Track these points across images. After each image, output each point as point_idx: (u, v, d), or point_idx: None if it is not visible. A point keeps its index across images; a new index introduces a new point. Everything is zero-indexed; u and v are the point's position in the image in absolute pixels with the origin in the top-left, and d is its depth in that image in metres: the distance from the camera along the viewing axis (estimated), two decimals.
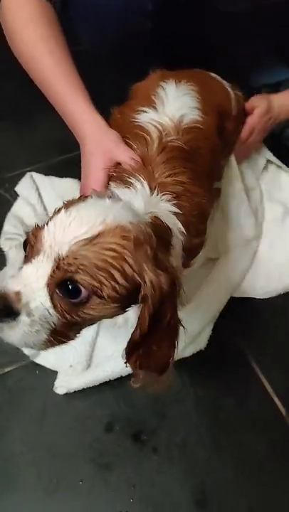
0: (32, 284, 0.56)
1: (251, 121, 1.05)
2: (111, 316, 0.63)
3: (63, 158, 1.28)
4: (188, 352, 0.92)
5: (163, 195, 0.68)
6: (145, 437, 0.85)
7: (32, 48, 0.85)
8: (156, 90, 0.83)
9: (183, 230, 0.69)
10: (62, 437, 0.84)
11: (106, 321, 0.90)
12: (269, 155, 1.21)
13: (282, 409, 0.88)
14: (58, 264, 0.56)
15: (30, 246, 0.59)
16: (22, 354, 0.92)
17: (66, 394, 0.88)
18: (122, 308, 0.61)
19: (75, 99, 0.81)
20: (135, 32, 0.97)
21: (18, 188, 1.16)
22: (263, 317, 1.01)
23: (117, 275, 0.57)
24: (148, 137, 0.75)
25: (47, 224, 0.59)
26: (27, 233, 0.62)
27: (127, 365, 0.65)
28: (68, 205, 0.60)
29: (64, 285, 0.56)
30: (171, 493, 0.79)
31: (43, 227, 0.59)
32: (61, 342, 0.62)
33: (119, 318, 0.90)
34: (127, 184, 0.68)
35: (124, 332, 0.91)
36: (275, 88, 1.20)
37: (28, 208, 1.12)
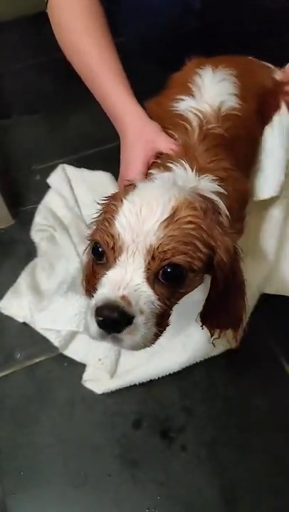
0: (132, 282, 0.55)
1: None
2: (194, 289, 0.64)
3: (95, 151, 1.28)
4: (218, 350, 0.90)
5: (206, 176, 0.66)
6: (173, 435, 0.83)
7: (78, 40, 0.86)
8: (192, 78, 0.81)
9: (227, 212, 0.68)
10: (90, 431, 0.84)
11: None
12: None
13: None
14: (153, 255, 0.55)
15: (107, 249, 0.58)
16: (51, 345, 0.92)
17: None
18: (203, 278, 0.63)
19: (117, 90, 0.82)
20: (181, 30, 0.95)
21: (50, 180, 1.17)
22: None
23: (200, 245, 0.58)
24: (188, 126, 0.74)
25: (108, 222, 0.57)
26: (93, 240, 0.61)
27: (203, 327, 0.69)
28: (120, 196, 0.59)
29: (164, 272, 0.56)
30: (199, 491, 0.78)
31: (108, 226, 0.57)
32: (161, 333, 0.61)
33: None
34: (169, 169, 0.68)
35: None
36: None
37: (60, 200, 1.12)
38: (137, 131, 0.77)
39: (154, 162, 0.73)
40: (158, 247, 0.55)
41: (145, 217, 0.55)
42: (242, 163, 0.75)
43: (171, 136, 0.74)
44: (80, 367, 0.91)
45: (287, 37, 1.14)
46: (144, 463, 0.80)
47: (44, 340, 0.93)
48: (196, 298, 0.69)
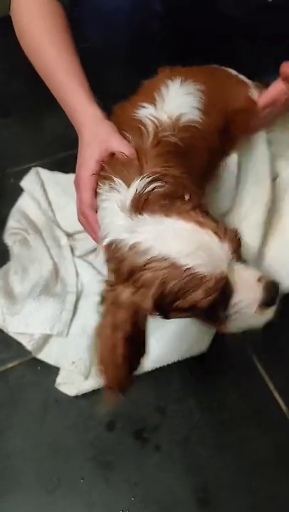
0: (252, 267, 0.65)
1: (274, 90, 0.92)
2: None
3: (69, 154, 1.27)
4: (192, 351, 0.91)
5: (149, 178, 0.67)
6: (147, 435, 0.84)
7: (38, 41, 0.88)
8: (160, 88, 0.82)
9: None
10: (63, 435, 0.84)
11: None
12: None
13: (284, 408, 0.87)
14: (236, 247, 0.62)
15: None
16: (24, 350, 0.91)
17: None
18: None
19: (75, 91, 0.83)
20: (144, 33, 0.96)
21: (23, 183, 1.16)
22: None
23: None
24: (144, 130, 0.75)
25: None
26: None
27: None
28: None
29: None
30: (173, 491, 0.78)
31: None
32: None
33: None
34: (113, 187, 0.69)
35: None
36: None
37: (33, 203, 1.11)
38: (93, 131, 0.79)
39: (101, 171, 0.74)
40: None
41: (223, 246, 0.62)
42: (196, 173, 0.75)
43: (125, 137, 0.75)
44: (54, 370, 0.90)
45: (254, 44, 1.16)
46: (117, 464, 0.81)
47: (17, 345, 0.92)
48: None
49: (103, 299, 0.64)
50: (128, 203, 0.65)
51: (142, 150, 0.72)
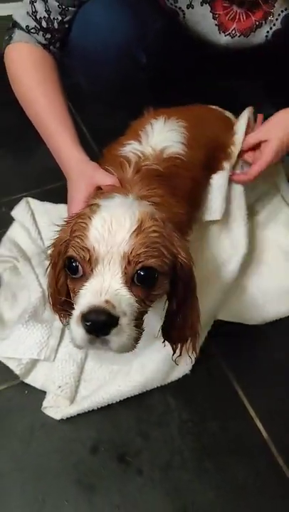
0: (112, 288, 0.61)
1: (262, 162, 0.99)
2: (162, 296, 0.72)
3: (58, 185, 1.31)
4: (174, 376, 0.95)
5: (142, 202, 0.73)
6: (129, 459, 0.87)
7: (29, 91, 0.96)
8: (144, 126, 0.89)
9: None
10: (48, 458, 0.86)
11: None
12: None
13: (265, 434, 0.90)
14: (128, 260, 0.62)
15: (83, 262, 0.64)
16: (12, 374, 0.94)
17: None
18: (168, 284, 0.70)
19: (62, 137, 0.92)
20: (130, 81, 1.03)
21: (14, 213, 1.20)
22: (247, 341, 1.04)
23: (164, 250, 0.66)
24: (126, 163, 0.82)
25: (81, 238, 0.64)
26: (70, 258, 0.66)
27: (165, 344, 0.78)
28: (87, 214, 0.66)
29: (138, 276, 0.63)
30: None
31: (81, 242, 0.63)
32: (140, 336, 0.67)
33: None
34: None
35: (112, 354, 0.95)
36: None
37: (23, 232, 1.15)
38: (79, 171, 0.87)
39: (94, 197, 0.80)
40: (131, 253, 0.62)
41: (116, 230, 0.62)
42: (180, 198, 0.82)
43: (108, 171, 0.83)
44: (41, 394, 0.93)
45: (236, 81, 1.25)
46: (100, 487, 0.83)
47: (5, 369, 0.95)
48: (151, 322, 0.76)
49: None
50: None
51: (124, 179, 0.79)
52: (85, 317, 0.60)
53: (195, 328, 0.76)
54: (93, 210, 0.66)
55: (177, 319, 0.75)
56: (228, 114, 1.08)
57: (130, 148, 0.85)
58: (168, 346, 0.81)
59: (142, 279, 0.63)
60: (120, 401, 0.92)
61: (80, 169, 0.88)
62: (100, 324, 0.60)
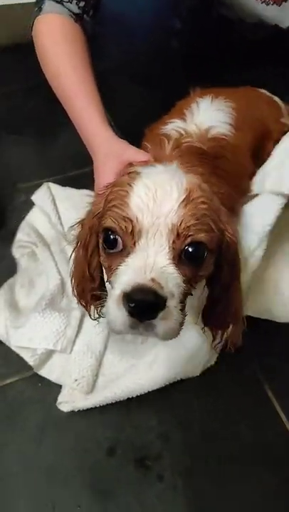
0: (158, 265, 0.53)
1: None
2: (206, 277, 0.63)
3: (80, 172, 1.28)
4: (198, 369, 0.87)
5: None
6: (149, 462, 0.79)
7: (58, 65, 0.90)
8: (190, 105, 0.83)
9: None
10: (60, 458, 0.79)
11: (115, 336, 0.87)
12: None
13: None
14: (177, 233, 0.54)
15: (124, 234, 0.56)
16: (25, 365, 0.88)
17: (67, 411, 0.83)
18: (213, 265, 0.62)
19: (90, 114, 0.86)
20: (164, 50, 0.98)
21: (34, 197, 1.15)
22: (281, 341, 0.95)
23: (213, 226, 0.58)
24: (166, 140, 0.75)
25: (121, 207, 0.56)
26: (108, 229, 0.58)
27: (205, 329, 0.71)
28: (126, 182, 0.59)
29: (186, 252, 0.55)
30: None
31: (122, 211, 0.56)
32: (183, 321, 0.59)
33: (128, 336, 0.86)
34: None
35: (133, 347, 0.88)
36: None
37: (43, 217, 1.10)
38: (107, 148, 0.80)
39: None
40: (181, 225, 0.54)
41: (162, 199, 0.55)
42: (222, 178, 0.74)
43: (144, 148, 0.76)
44: (55, 388, 0.86)
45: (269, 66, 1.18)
46: (117, 493, 0.76)
47: (18, 359, 0.89)
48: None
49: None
50: None
51: (161, 156, 0.72)
52: (129, 297, 0.51)
53: (238, 315, 0.69)
54: (133, 177, 0.59)
55: (219, 305, 0.68)
56: (276, 98, 1.00)
57: (173, 126, 0.79)
58: (194, 337, 0.74)
59: (190, 256, 0.56)
60: (140, 399, 0.84)
61: (108, 146, 0.80)
62: (146, 306, 0.52)
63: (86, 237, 0.66)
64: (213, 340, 0.73)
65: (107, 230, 0.58)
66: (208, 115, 0.81)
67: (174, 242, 0.54)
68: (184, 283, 0.56)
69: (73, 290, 0.74)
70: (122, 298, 0.52)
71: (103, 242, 0.59)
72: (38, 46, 0.94)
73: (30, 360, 0.87)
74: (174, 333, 0.56)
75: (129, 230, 0.55)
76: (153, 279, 0.52)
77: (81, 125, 0.88)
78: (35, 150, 1.40)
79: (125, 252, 0.57)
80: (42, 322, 0.88)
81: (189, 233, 0.55)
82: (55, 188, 1.17)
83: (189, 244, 0.55)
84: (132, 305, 0.51)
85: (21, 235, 1.08)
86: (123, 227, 0.56)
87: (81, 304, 0.75)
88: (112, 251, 0.58)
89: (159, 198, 0.55)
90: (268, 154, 0.90)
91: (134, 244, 0.55)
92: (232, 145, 0.79)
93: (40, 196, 1.15)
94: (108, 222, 0.57)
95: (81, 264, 0.69)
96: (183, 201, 0.55)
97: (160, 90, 0.92)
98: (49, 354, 0.88)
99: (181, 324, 0.57)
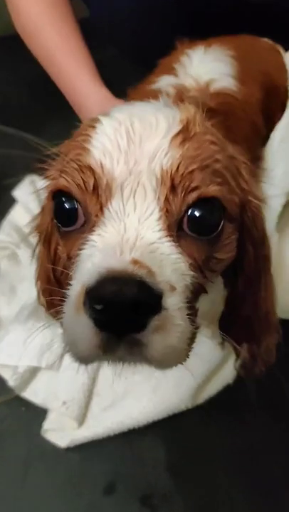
0: (144, 239, 0.33)
1: None
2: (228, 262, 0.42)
3: None
4: (214, 388, 0.73)
5: None
6: (156, 502, 0.66)
7: (35, 19, 0.80)
8: (179, 59, 0.69)
9: None
10: (48, 499, 0.67)
11: None
12: None
13: None
14: (172, 184, 0.34)
15: (84, 195, 0.37)
16: (6, 386, 0.75)
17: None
18: (235, 244, 0.42)
19: (77, 72, 0.75)
20: (155, 7, 0.85)
21: (17, 193, 1.04)
22: None
23: (230, 179, 0.38)
24: (164, 94, 0.61)
25: (79, 155, 0.38)
26: (58, 191, 0.39)
27: (226, 337, 0.47)
28: (88, 123, 0.41)
29: (191, 217, 0.35)
30: None
31: (80, 161, 0.37)
32: (196, 333, 0.39)
33: None
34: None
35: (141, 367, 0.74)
36: None
37: (27, 215, 0.98)
38: (102, 109, 0.67)
39: None
40: (177, 170, 0.35)
41: (143, 134, 0.36)
42: (237, 143, 0.59)
43: None
44: (41, 413, 0.74)
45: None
46: None
47: None
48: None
49: None
50: None
51: None
52: (93, 294, 0.31)
53: (271, 321, 0.49)
54: (96, 119, 0.41)
55: (243, 306, 0.48)
56: (279, 48, 0.85)
57: (166, 83, 0.65)
58: (211, 354, 0.58)
59: (197, 223, 0.36)
60: (144, 428, 0.71)
61: (103, 106, 0.67)
62: (126, 307, 0.29)
63: (47, 228, 0.48)
64: (237, 357, 0.53)
65: (59, 196, 0.39)
66: (204, 67, 0.66)
67: (167, 200, 0.35)
68: (192, 270, 0.36)
69: (39, 298, 0.56)
70: (82, 298, 0.32)
71: (54, 216, 0.40)
72: (12, 5, 0.83)
73: (10, 380, 0.75)
74: (177, 356, 0.35)
75: (91, 187, 0.36)
76: (136, 261, 0.31)
77: (68, 86, 0.76)
78: (21, 144, 1.30)
79: (89, 225, 0.37)
80: (24, 335, 0.76)
81: (192, 184, 0.35)
82: (40, 182, 1.05)
83: (195, 204, 0.35)
84: (100, 307, 0.30)
85: (2, 236, 0.97)
86: (81, 184, 0.36)
87: (51, 316, 0.57)
88: (68, 228, 0.39)
89: (137, 134, 0.36)
90: (278, 108, 0.76)
91: (102, 209, 0.36)
92: (241, 102, 0.65)
93: (23, 192, 1.04)
94: (60, 181, 0.38)
95: (44, 263, 0.51)
96: (177, 135, 0.36)
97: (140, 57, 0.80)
98: (33, 372, 0.76)
99: (191, 340, 0.36)
